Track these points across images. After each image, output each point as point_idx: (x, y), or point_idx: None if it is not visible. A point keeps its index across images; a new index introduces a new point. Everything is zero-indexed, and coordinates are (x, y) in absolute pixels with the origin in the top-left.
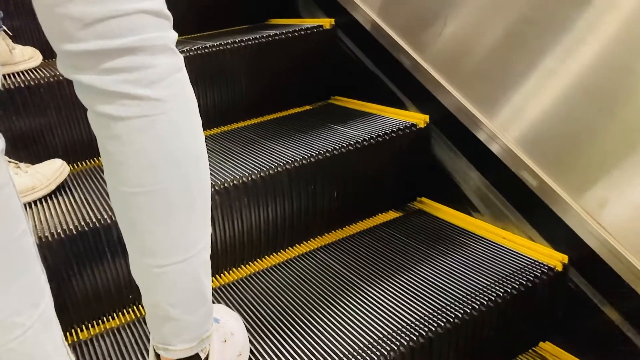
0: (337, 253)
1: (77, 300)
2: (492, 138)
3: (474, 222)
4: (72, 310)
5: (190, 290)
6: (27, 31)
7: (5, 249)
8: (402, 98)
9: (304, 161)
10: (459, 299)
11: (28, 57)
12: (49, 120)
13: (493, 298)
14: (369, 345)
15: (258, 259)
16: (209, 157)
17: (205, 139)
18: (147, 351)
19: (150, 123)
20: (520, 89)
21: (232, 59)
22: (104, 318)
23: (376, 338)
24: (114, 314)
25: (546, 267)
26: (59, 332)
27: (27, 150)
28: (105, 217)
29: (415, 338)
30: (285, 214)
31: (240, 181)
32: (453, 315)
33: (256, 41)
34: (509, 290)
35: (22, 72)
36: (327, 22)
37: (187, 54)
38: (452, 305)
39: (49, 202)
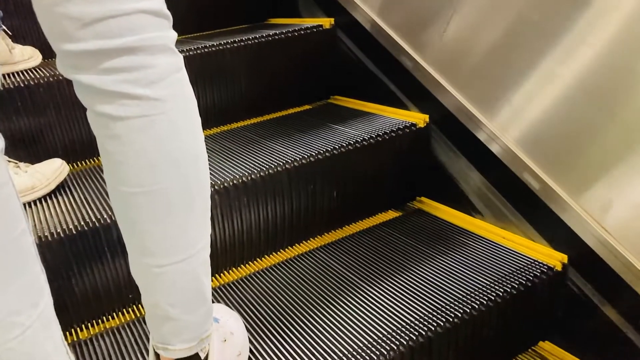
0: (336, 253)
1: (77, 300)
2: (492, 138)
3: (474, 222)
4: (71, 310)
5: (189, 289)
6: (27, 31)
7: (5, 249)
8: (402, 98)
9: (303, 161)
10: (459, 298)
11: (28, 57)
12: (48, 119)
13: (493, 298)
14: (369, 345)
15: (258, 259)
16: (208, 156)
17: (205, 138)
18: (147, 351)
19: (150, 123)
20: (520, 89)
21: (232, 59)
22: (104, 318)
23: (376, 338)
24: (114, 314)
25: (546, 267)
26: (58, 331)
27: (26, 150)
28: (105, 217)
29: (415, 338)
30: (285, 214)
31: (240, 181)
32: (453, 315)
33: (256, 41)
34: (509, 290)
35: (21, 71)
36: (327, 22)
37: (187, 53)
38: (451, 304)
39: (49, 201)
